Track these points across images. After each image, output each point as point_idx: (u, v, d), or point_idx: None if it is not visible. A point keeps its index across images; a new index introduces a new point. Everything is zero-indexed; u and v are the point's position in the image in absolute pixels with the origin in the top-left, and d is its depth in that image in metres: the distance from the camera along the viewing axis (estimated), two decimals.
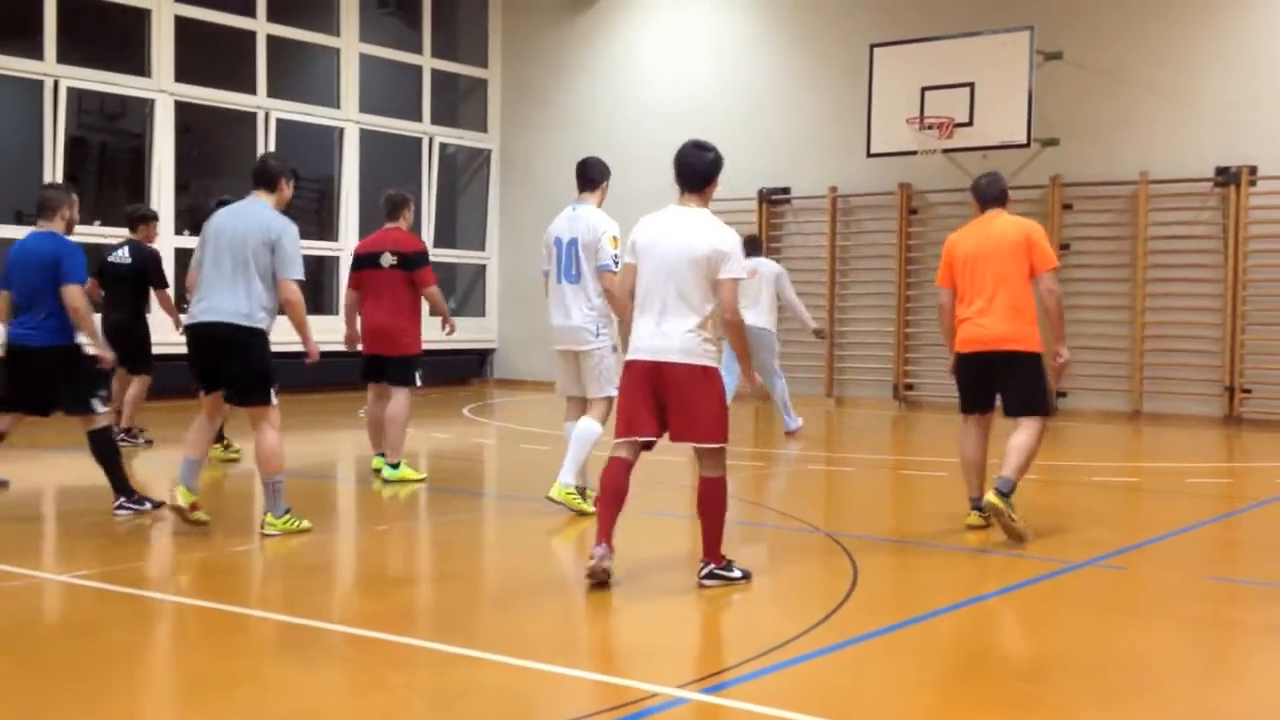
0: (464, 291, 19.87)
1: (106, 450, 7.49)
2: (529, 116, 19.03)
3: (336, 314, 16.96)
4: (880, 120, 15.08)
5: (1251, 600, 6.18)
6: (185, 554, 6.69)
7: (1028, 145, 14.31)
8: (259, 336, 6.84)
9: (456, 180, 19.80)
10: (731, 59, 17.16)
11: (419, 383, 9.08)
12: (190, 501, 6.91)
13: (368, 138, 17.78)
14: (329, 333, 15.40)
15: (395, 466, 8.96)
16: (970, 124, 14.51)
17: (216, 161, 17.86)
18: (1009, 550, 6.94)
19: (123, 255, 10.20)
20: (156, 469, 9.55)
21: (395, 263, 8.89)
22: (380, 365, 9.05)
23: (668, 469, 9.08)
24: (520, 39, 19.09)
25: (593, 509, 7.36)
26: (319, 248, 17.74)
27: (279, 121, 16.57)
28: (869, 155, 15.29)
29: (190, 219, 15.48)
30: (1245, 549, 7.68)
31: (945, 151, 14.84)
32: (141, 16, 15.48)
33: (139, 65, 15.51)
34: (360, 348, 9.12)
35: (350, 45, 17.58)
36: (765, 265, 12.36)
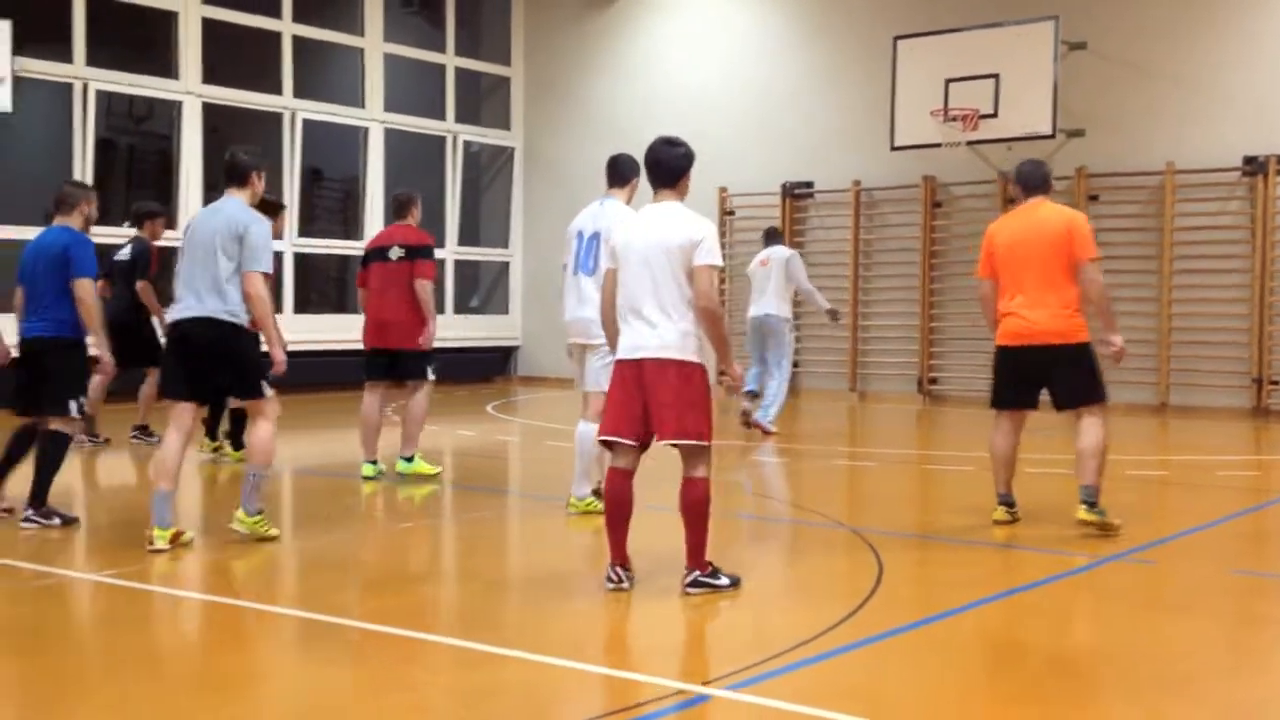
0: (487, 289, 19.92)
1: (53, 456, 7.20)
2: (552, 114, 19.05)
3: (360, 312, 17.02)
4: (904, 113, 15.01)
5: None
6: (209, 552, 6.73)
7: (1053, 136, 14.21)
8: (240, 331, 6.71)
9: (480, 178, 19.85)
10: (754, 53, 17.12)
11: (433, 375, 9.07)
12: (169, 536, 6.61)
13: (392, 137, 17.85)
14: (350, 331, 15.48)
15: (410, 460, 8.98)
16: (995, 115, 14.43)
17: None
18: (1035, 546, 6.91)
19: (124, 253, 10.26)
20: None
21: (403, 255, 8.92)
22: (386, 360, 9.02)
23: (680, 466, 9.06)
24: (543, 36, 19.11)
25: None
26: (344, 247, 17.82)
27: (305, 122, 16.65)
28: (893, 148, 15.22)
29: None
30: (1274, 542, 7.63)
31: (970, 144, 14.76)
32: (169, 19, 15.59)
33: (166, 67, 15.61)
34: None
35: (374, 45, 17.64)
36: (776, 252, 12.25)
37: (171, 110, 15.80)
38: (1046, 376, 7.10)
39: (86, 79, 14.68)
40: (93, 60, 14.79)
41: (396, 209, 9.23)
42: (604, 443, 5.78)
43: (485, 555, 7.14)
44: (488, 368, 18.89)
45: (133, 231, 10.83)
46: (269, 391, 6.84)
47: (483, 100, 19.61)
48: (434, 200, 17.51)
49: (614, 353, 5.84)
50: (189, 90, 15.61)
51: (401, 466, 8.97)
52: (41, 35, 14.74)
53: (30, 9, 14.48)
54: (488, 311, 19.56)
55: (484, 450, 11.71)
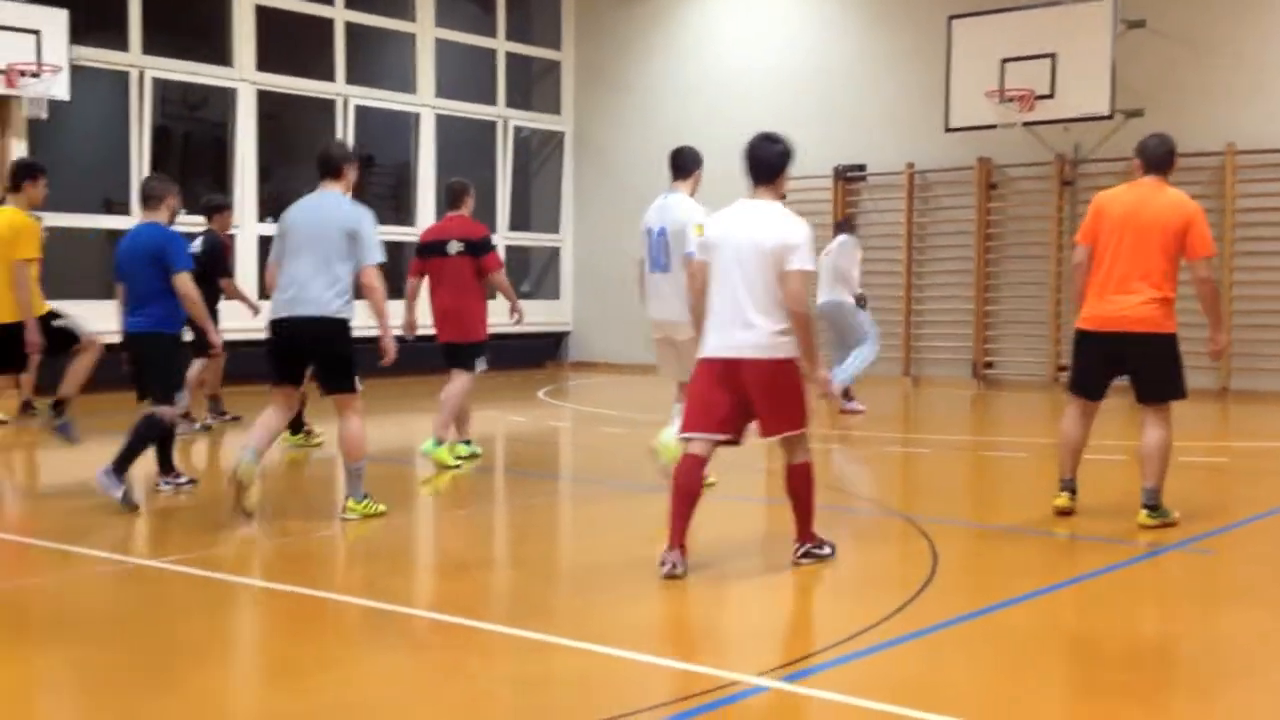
0: (538, 274, 19.96)
1: (144, 436, 7.46)
2: (602, 98, 19.02)
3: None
4: (959, 94, 14.86)
5: None
6: (270, 539, 6.82)
7: (1110, 117, 14.01)
8: (343, 327, 6.92)
9: (530, 163, 19.88)
10: (806, 35, 17.00)
11: (479, 369, 9.11)
12: (249, 479, 6.88)
13: (443, 122, 17.91)
14: (402, 317, 15.63)
15: (438, 443, 9.00)
16: (1051, 96, 14.24)
17: (297, 149, 18.09)
18: (1093, 535, 6.83)
19: (195, 246, 10.36)
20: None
21: (462, 249, 8.96)
22: (452, 352, 9.14)
23: (740, 452, 9.04)
24: (594, 20, 19.08)
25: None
26: (395, 233, 17.87)
27: (357, 108, 16.74)
28: (947, 130, 15.08)
29: (274, 207, 15.71)
30: None
31: (1026, 125, 14.59)
32: (223, 6, 15.72)
33: (221, 55, 15.75)
34: (413, 335, 9.19)
35: (426, 30, 17.70)
36: (835, 240, 12.26)
37: (226, 97, 15.94)
38: (1128, 365, 6.85)
39: (142, 67, 14.84)
40: (149, 49, 14.95)
41: (450, 198, 9.27)
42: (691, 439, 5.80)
43: (539, 542, 7.17)
44: (539, 353, 18.95)
45: (199, 221, 10.95)
46: (360, 386, 7.00)
47: (533, 85, 19.62)
48: (485, 186, 17.54)
49: (699, 344, 5.86)
50: (243, 77, 15.75)
51: (427, 447, 9.00)
52: (98, 24, 14.92)
53: None
54: (539, 297, 19.60)
55: (536, 436, 11.76)
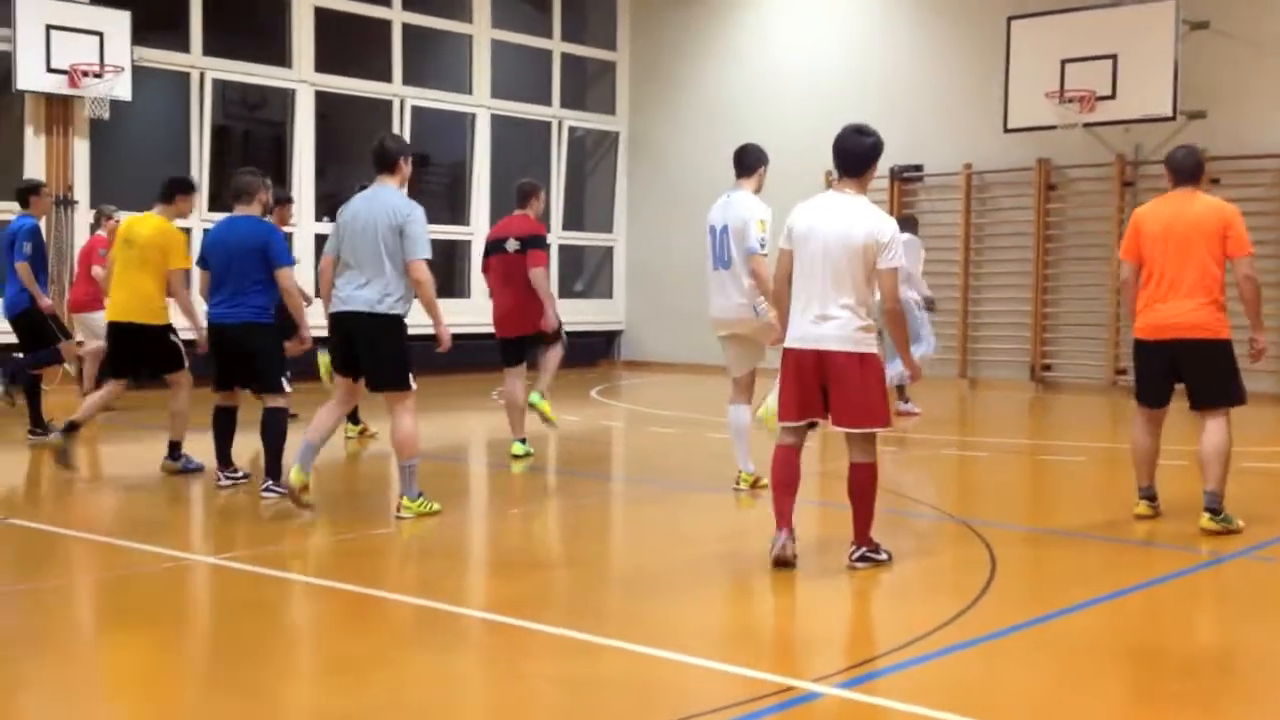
0: (591, 273, 19.99)
1: (276, 430, 7.71)
2: (657, 99, 19.01)
3: (468, 297, 17.24)
4: (1018, 94, 14.71)
5: None
6: (326, 537, 6.86)
7: (1173, 118, 13.81)
8: (395, 323, 6.93)
9: (584, 163, 19.91)
10: (862, 35, 16.89)
11: (564, 340, 9.28)
12: (302, 483, 6.99)
13: (498, 122, 17.98)
14: (460, 314, 15.70)
15: (541, 396, 9.14)
16: (1113, 97, 14.07)
17: (353, 149, 18.23)
18: (1152, 541, 6.74)
19: None
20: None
21: (519, 247, 9.02)
22: (516, 347, 9.16)
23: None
24: (649, 21, 19.07)
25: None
26: (451, 232, 18.02)
27: (414, 108, 16.85)
28: (1006, 130, 14.93)
29: (329, 205, 15.84)
30: None
31: (1086, 125, 14.41)
32: (282, 8, 15.88)
33: (280, 56, 15.91)
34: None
35: (482, 31, 17.77)
36: None
37: (285, 98, 16.09)
38: (1184, 371, 6.90)
39: (203, 68, 15.02)
40: (209, 50, 15.12)
41: (519, 198, 9.32)
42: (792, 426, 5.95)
43: (592, 543, 7.17)
44: (592, 352, 18.97)
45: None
46: (413, 384, 7.05)
47: (588, 85, 19.65)
48: (539, 185, 17.63)
49: (783, 334, 5.99)
50: (302, 78, 15.90)
51: (534, 398, 9.14)
52: (159, 26, 15.12)
53: (149, 1, 14.85)
54: (592, 296, 19.63)
55: (589, 436, 11.76)
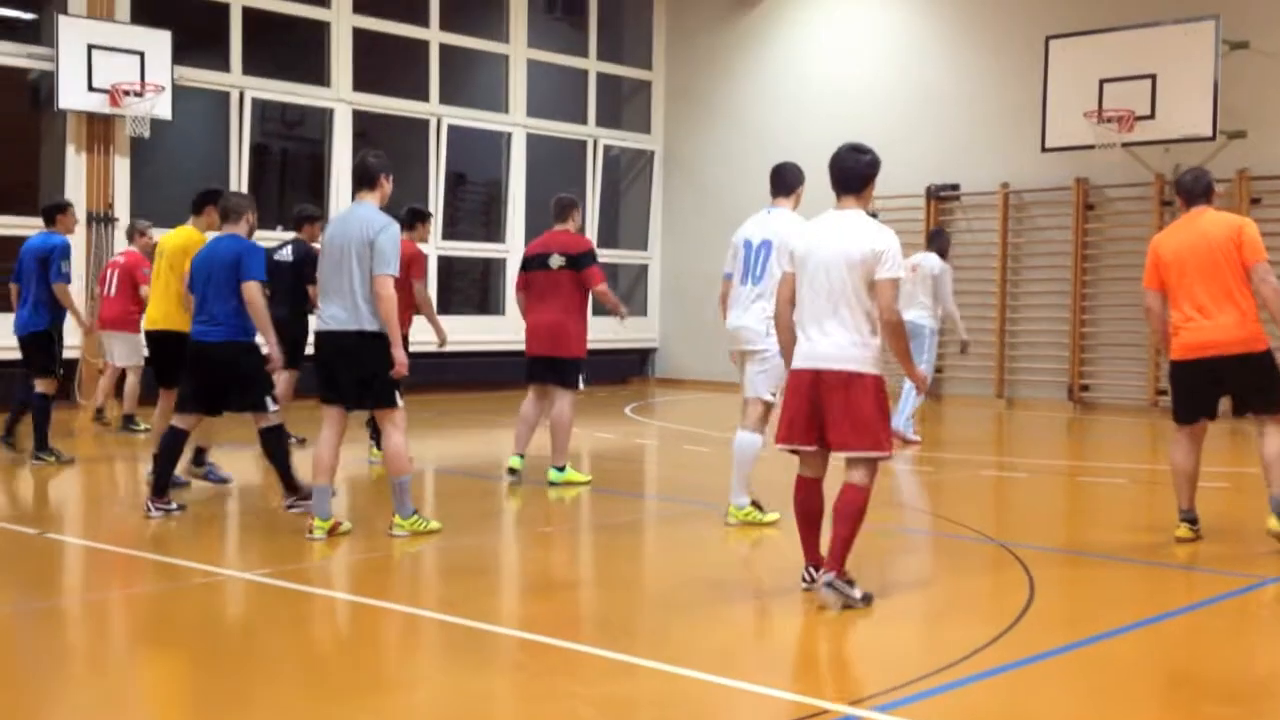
0: (626, 291, 19.98)
1: (277, 448, 7.68)
2: (692, 117, 19.03)
3: (503, 314, 17.27)
4: (1055, 114, 14.63)
5: None
6: (358, 554, 6.86)
7: (1213, 138, 13.70)
8: (374, 339, 6.82)
9: (620, 181, 19.95)
10: (899, 54, 16.86)
11: (582, 386, 9.11)
12: (328, 527, 6.94)
13: (534, 141, 18.04)
14: (496, 332, 15.76)
15: (561, 469, 9.03)
16: (1152, 117, 13.97)
17: (391, 167, 18.33)
18: (1191, 565, 6.64)
19: (285, 254, 10.52)
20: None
21: (564, 264, 8.92)
22: (544, 367, 9.11)
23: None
24: (684, 40, 19.11)
25: (774, 517, 7.33)
26: (486, 250, 18.09)
27: (450, 127, 16.93)
28: (1043, 150, 14.85)
29: None
30: None
31: (1125, 145, 14.31)
32: (321, 29, 16.01)
33: (319, 75, 16.04)
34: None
35: (519, 51, 17.86)
36: (928, 262, 11.99)
37: (323, 117, 16.22)
38: (1227, 386, 6.91)
39: (243, 87, 15.16)
40: (248, 69, 15.26)
41: (557, 212, 9.23)
42: (789, 450, 5.82)
43: (626, 562, 7.14)
44: (626, 369, 18.97)
45: (288, 233, 11.16)
46: (400, 401, 6.99)
47: (623, 104, 19.70)
48: (577, 199, 17.69)
49: (787, 359, 5.85)
50: (340, 98, 16.01)
51: (554, 476, 9.00)
52: (200, 45, 15.29)
53: (189, 21, 15.02)
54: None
55: (623, 454, 11.74)
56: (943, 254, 12.20)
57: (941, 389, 15.96)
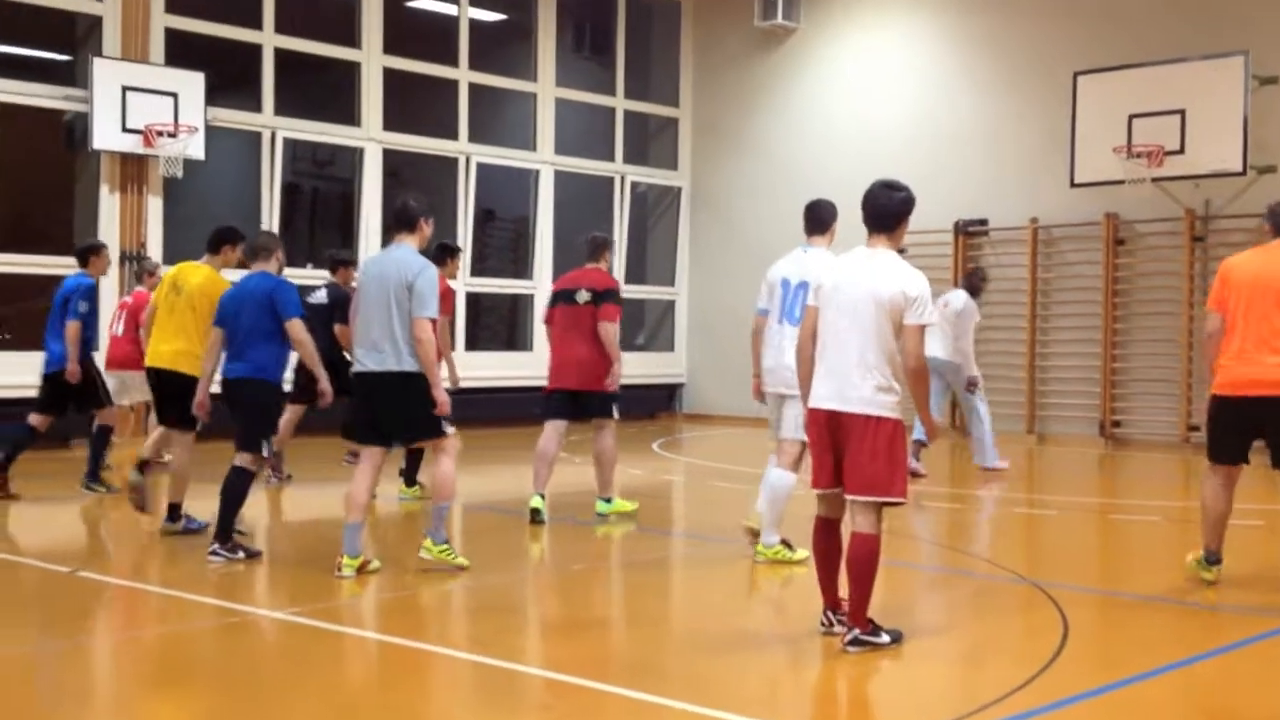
0: (653, 326, 20.02)
1: (238, 491, 7.51)
2: (719, 154, 19.09)
3: (530, 350, 17.31)
4: (1084, 149, 14.60)
5: None
6: (387, 592, 6.86)
7: (1243, 173, 13.63)
8: (414, 378, 6.88)
9: (647, 217, 20.01)
10: (927, 90, 16.87)
11: (617, 415, 9.15)
12: (357, 565, 6.95)
13: (562, 178, 18.13)
14: (524, 368, 15.77)
15: (609, 500, 9.10)
16: (1181, 152, 13.92)
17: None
18: (1232, 605, 6.55)
19: (320, 296, 10.65)
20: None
21: (589, 299, 8.98)
22: (567, 399, 9.06)
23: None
24: (711, 77, 19.20)
25: (803, 555, 7.27)
26: (514, 286, 18.16)
27: (479, 165, 17.05)
28: (1072, 185, 14.81)
29: None
30: None
31: (1154, 180, 14.26)
32: (352, 69, 16.17)
33: (349, 115, 16.19)
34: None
35: (547, 90, 17.98)
36: (954, 298, 12.00)
37: (353, 156, 16.35)
38: (1267, 432, 6.59)
39: (274, 128, 15.31)
40: (280, 109, 15.42)
41: (590, 251, 9.29)
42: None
43: (654, 601, 7.11)
44: (653, 404, 18.97)
45: (325, 274, 11.29)
46: (450, 429, 7.04)
47: (651, 141, 19.79)
48: (610, 239, 17.78)
49: (805, 392, 5.74)
50: (370, 137, 16.15)
51: (602, 508, 9.07)
52: (232, 86, 15.47)
53: (222, 62, 15.21)
54: (653, 349, 19.65)
55: (651, 490, 11.69)
56: (973, 292, 12.20)
57: (972, 425, 15.86)
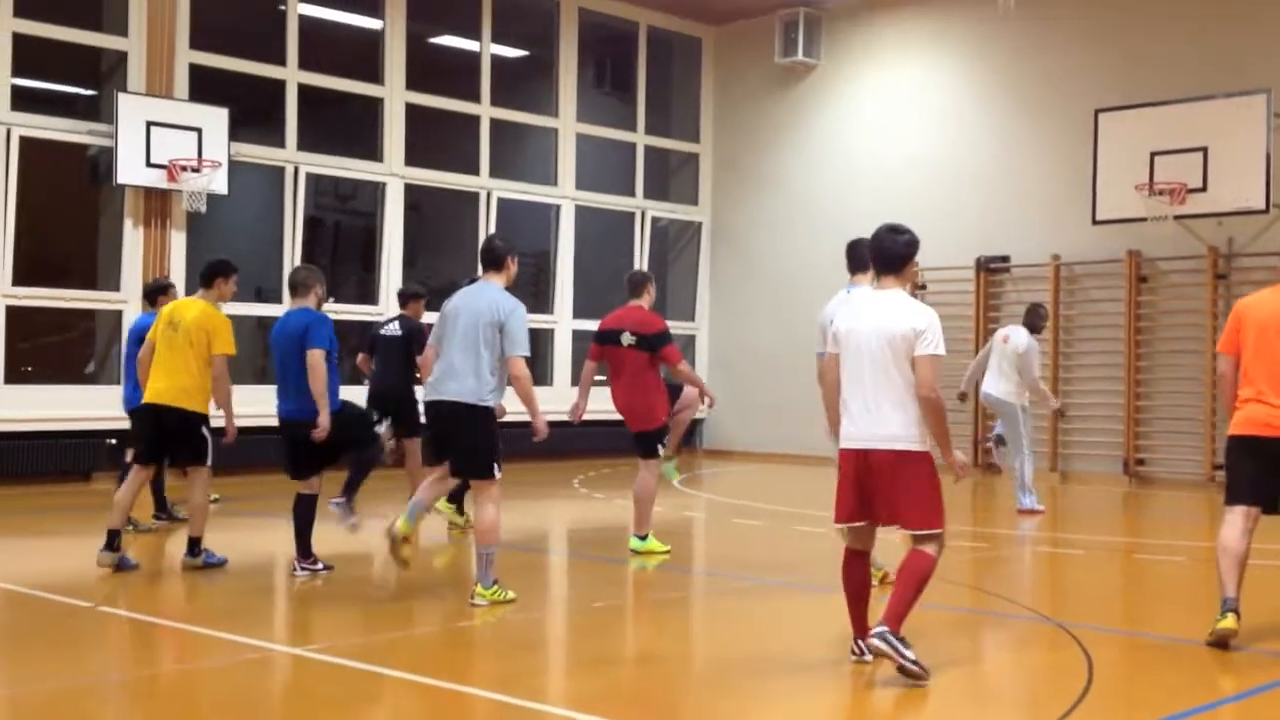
0: None
1: (306, 516, 8.03)
2: (740, 189, 19.13)
3: (550, 384, 17.31)
4: (1106, 186, 14.58)
5: None
6: (408, 628, 6.84)
7: (1266, 211, 13.58)
8: (486, 414, 7.12)
9: (667, 252, 20.03)
10: (948, 127, 16.88)
11: (662, 452, 9.21)
12: (405, 534, 7.24)
13: (582, 213, 18.18)
14: (542, 403, 15.72)
15: (643, 538, 9.11)
16: (1204, 189, 13.88)
17: (440, 239, 18.55)
18: (1257, 648, 6.46)
19: (393, 328, 10.85)
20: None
21: (634, 343, 9.02)
22: (637, 441, 9.12)
23: (884, 546, 8.83)
24: (731, 113, 19.26)
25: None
26: (534, 320, 18.15)
27: (500, 200, 17.12)
28: (1094, 222, 14.78)
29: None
30: None
31: (1177, 218, 14.21)
32: (374, 105, 16.28)
33: (372, 150, 16.28)
34: (578, 420, 9.22)
35: (568, 125, 18.06)
36: (1016, 335, 12.00)
37: (375, 190, 16.45)
38: None
39: (297, 162, 15.41)
40: (303, 144, 15.53)
41: (631, 288, 9.38)
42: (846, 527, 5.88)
43: (674, 638, 7.06)
44: None
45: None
46: (498, 474, 7.14)
47: (671, 176, 19.84)
48: (622, 274, 17.80)
49: (836, 438, 5.91)
50: (392, 171, 16.24)
51: (635, 545, 9.09)
52: (255, 121, 15.58)
53: (246, 97, 15.33)
54: (673, 384, 19.61)
55: (671, 526, 11.63)
56: (1034, 330, 12.20)
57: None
